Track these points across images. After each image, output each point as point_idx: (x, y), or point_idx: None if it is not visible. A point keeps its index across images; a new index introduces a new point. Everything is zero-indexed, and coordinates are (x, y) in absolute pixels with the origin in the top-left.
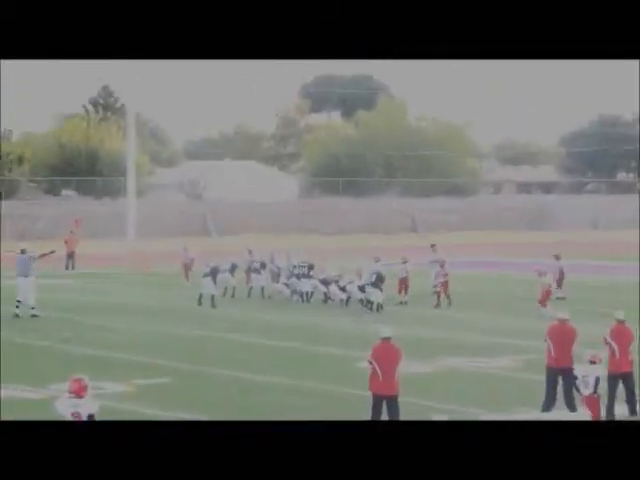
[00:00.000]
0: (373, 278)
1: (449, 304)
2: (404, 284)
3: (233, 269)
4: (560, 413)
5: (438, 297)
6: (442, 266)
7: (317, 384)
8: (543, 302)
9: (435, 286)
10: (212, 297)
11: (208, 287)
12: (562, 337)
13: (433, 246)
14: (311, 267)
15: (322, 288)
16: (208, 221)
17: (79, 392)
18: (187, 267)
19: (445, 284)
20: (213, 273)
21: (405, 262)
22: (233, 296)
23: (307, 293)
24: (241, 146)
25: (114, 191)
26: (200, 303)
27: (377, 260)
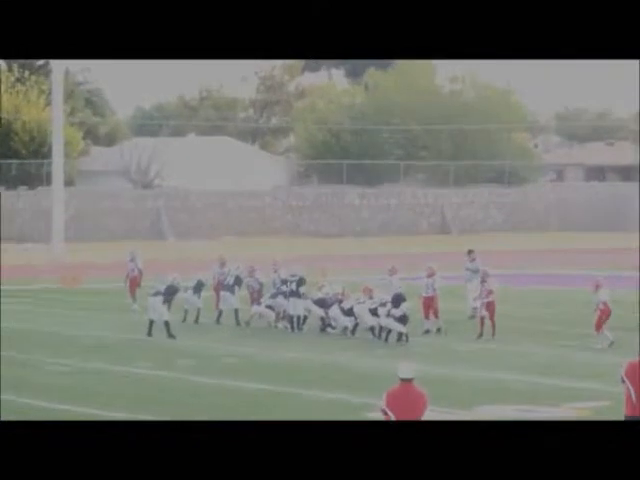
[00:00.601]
0: (389, 298)
1: (493, 333)
2: (431, 305)
3: (199, 288)
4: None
5: (481, 324)
6: (484, 281)
7: None
8: (599, 327)
9: (475, 308)
10: (166, 324)
11: (158, 310)
12: None
13: (470, 252)
14: (301, 282)
15: (319, 311)
16: (163, 219)
17: None
18: (133, 283)
19: (490, 306)
20: (168, 293)
21: (432, 275)
22: (197, 322)
23: (298, 318)
24: (210, 116)
25: (35, 179)
26: (150, 333)
27: (393, 273)
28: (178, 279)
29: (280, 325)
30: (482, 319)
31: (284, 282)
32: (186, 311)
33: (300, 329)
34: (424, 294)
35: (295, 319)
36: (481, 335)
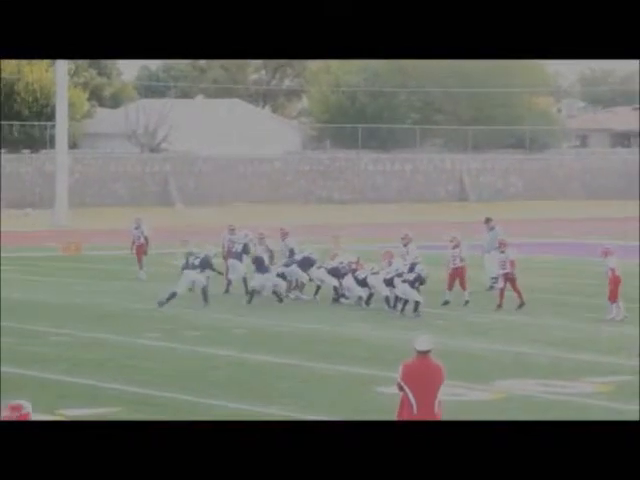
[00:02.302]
0: (406, 268)
1: (520, 305)
2: (459, 277)
3: (205, 264)
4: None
5: (501, 295)
6: (502, 251)
7: (322, 417)
8: (613, 297)
9: (494, 279)
10: (203, 289)
11: (196, 279)
12: None
13: (489, 221)
14: (310, 262)
15: (332, 281)
16: (171, 185)
17: None
18: (140, 250)
19: (508, 277)
20: (203, 266)
21: (457, 246)
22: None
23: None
24: (219, 78)
25: (38, 142)
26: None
27: (407, 241)
28: (212, 250)
29: (292, 295)
30: (501, 291)
31: (292, 253)
32: (193, 282)
33: (296, 297)
34: (452, 265)
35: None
36: (500, 306)
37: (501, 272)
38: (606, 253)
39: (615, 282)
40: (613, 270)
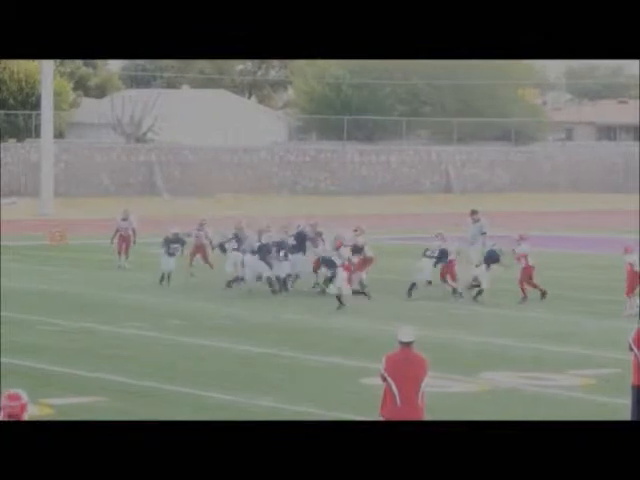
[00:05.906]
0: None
1: (541, 296)
2: (448, 270)
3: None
4: None
5: (523, 288)
6: (519, 245)
7: (306, 408)
8: (630, 292)
9: (475, 277)
10: (269, 279)
11: (254, 267)
12: None
13: (474, 213)
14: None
15: (326, 272)
16: (156, 175)
17: (17, 414)
18: (127, 241)
19: (526, 271)
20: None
21: (442, 239)
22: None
23: (284, 279)
24: (204, 68)
25: (22, 131)
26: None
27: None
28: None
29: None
30: (521, 283)
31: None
32: (164, 274)
33: (286, 290)
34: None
35: (283, 279)
36: (525, 298)
37: (521, 267)
38: (628, 248)
39: (632, 277)
40: (632, 265)
